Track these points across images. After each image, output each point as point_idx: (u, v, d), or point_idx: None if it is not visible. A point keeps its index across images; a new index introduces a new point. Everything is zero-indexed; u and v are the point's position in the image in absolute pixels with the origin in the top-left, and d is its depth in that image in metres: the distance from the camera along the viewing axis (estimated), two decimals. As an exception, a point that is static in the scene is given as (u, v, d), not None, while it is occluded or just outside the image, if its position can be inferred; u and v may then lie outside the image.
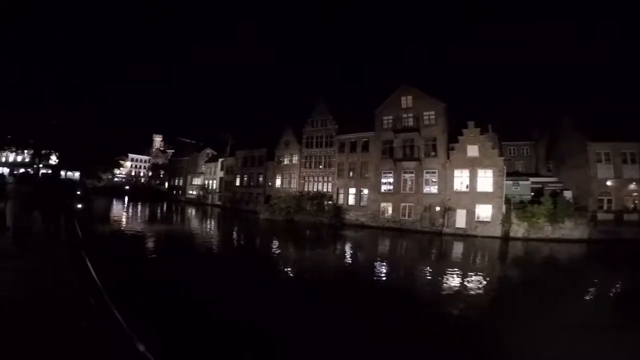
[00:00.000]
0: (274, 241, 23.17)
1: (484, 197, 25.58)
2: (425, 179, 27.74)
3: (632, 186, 24.54)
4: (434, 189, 27.44)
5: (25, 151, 54.16)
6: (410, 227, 27.51)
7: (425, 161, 27.76)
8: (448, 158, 26.98)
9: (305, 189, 35.48)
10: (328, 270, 15.44)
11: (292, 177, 38.25)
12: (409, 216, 28.06)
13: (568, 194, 26.21)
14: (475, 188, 26.04)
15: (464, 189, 26.38)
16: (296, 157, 38.00)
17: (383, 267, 16.99)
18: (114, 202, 52.71)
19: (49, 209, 7.47)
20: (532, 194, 26.87)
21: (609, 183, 24.86)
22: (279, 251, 20.18)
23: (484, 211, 25.54)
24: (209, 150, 59.53)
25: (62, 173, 54.66)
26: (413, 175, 28.22)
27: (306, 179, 36.27)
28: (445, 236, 25.62)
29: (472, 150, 26.44)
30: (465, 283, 13.53)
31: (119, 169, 77.20)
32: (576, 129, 27.04)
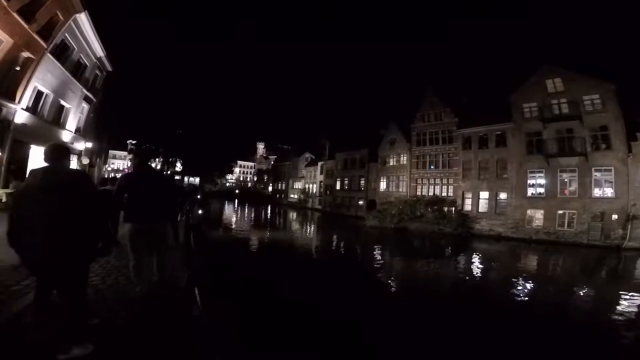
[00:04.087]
0: (394, 255, 19.86)
1: (696, 203, 18.30)
2: (595, 179, 21.30)
3: None
4: (608, 192, 20.89)
5: (157, 159, 63.11)
6: (571, 240, 21.46)
7: (594, 156, 21.35)
8: (630, 151, 20.21)
9: (419, 193, 31.76)
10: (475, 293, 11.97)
11: (400, 179, 34.85)
12: (569, 226, 21.97)
13: None
14: (678, 190, 18.87)
15: (659, 191, 19.38)
16: (404, 157, 34.51)
17: (533, 285, 13.45)
18: (227, 204, 57.63)
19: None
20: None
21: None
22: (400, 268, 16.55)
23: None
24: (308, 155, 60.38)
25: (185, 179, 62.29)
26: (575, 174, 22.01)
27: (419, 181, 32.49)
28: (626, 251, 19.28)
29: (670, 139, 19.27)
30: None
31: (231, 174, 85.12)
32: None
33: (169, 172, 57.01)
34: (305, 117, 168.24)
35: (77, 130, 19.98)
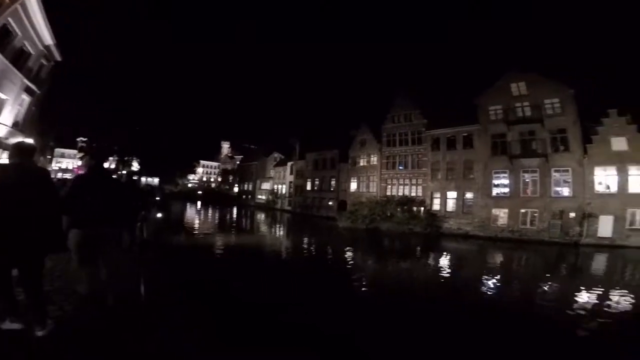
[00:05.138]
0: (368, 256, 19.67)
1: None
2: (555, 180, 22.58)
3: None
4: (566, 192, 22.21)
5: (110, 158, 58.46)
6: (534, 238, 22.56)
7: (553, 157, 22.61)
8: (585, 153, 21.65)
9: (389, 193, 31.99)
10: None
11: (370, 179, 34.99)
12: (531, 224, 23.09)
13: None
14: (626, 189, 20.45)
15: (610, 190, 20.90)
16: (375, 158, 34.69)
17: (499, 283, 13.89)
18: (189, 206, 54.61)
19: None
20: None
21: None
22: (374, 268, 16.51)
23: (640, 217, 19.94)
24: (276, 155, 59.08)
25: (143, 179, 58.28)
26: (536, 174, 23.18)
27: (389, 181, 32.76)
28: (584, 247, 20.66)
29: (619, 143, 20.87)
30: (606, 302, 10.81)
31: (193, 174, 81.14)
32: None
33: (124, 172, 53.00)
34: (273, 117, 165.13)
35: (15, 125, 17.40)
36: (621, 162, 20.64)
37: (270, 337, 6.83)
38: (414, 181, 30.66)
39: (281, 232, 30.83)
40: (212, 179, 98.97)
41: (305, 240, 25.64)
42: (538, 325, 8.61)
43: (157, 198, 40.08)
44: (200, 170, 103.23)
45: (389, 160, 33.17)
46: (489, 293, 12.48)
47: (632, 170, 20.28)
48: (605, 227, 20.77)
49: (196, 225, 30.68)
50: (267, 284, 11.44)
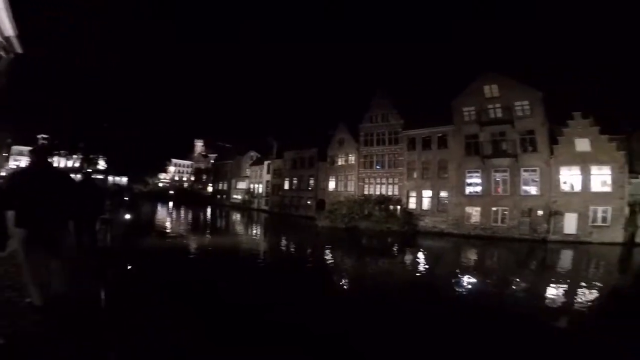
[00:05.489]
0: (348, 255, 19.81)
1: (601, 198, 21.29)
2: (524, 179, 23.55)
3: None
4: (534, 190, 23.22)
5: (75, 156, 55.15)
6: (505, 235, 23.45)
7: (523, 157, 23.57)
8: (552, 154, 22.73)
9: (366, 192, 32.19)
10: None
11: (348, 179, 35.08)
12: (502, 222, 23.98)
13: None
14: (588, 188, 21.71)
15: (574, 189, 22.07)
16: (353, 157, 34.80)
17: (474, 278, 14.52)
18: (160, 206, 52.46)
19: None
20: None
21: None
22: (354, 267, 16.74)
23: (601, 214, 21.21)
24: (253, 153, 58.04)
25: (110, 178, 55.37)
26: (507, 174, 24.08)
27: (366, 180, 32.97)
28: (551, 244, 21.73)
29: (582, 144, 22.12)
30: (573, 296, 11.57)
31: (164, 173, 78.03)
32: None
33: (89, 170, 50.03)
34: (249, 116, 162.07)
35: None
36: (584, 162, 21.86)
37: (256, 337, 6.89)
38: (390, 180, 31.02)
39: (259, 233, 30.23)
40: (184, 179, 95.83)
41: (286, 240, 25.30)
42: (511, 318, 9.10)
43: (126, 198, 38.08)
44: (172, 169, 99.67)
45: (367, 159, 33.36)
46: (464, 289, 12.87)
47: (594, 170, 21.54)
48: (570, 224, 21.93)
49: (168, 227, 29.43)
50: (249, 285, 11.22)
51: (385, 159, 31.92)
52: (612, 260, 18.26)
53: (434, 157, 27.91)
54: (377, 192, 31.51)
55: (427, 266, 17.33)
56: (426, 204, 28.03)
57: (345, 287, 13.08)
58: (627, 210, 20.85)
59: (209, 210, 50.20)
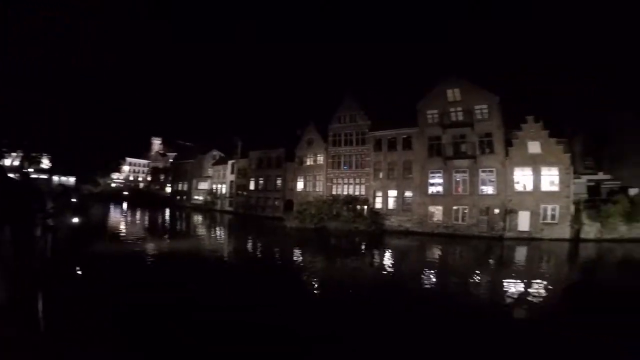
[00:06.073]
0: (319, 255, 19.86)
1: (550, 197, 23.09)
2: (482, 179, 24.89)
3: None
4: (491, 190, 24.63)
5: (14, 154, 49.76)
6: (465, 233, 24.64)
7: (481, 159, 24.92)
8: (507, 155, 24.26)
9: (334, 192, 32.28)
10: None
11: (317, 179, 34.98)
12: (462, 220, 25.17)
13: (634, 192, 24.05)
14: (539, 187, 23.45)
15: (526, 188, 23.72)
16: (321, 157, 34.76)
17: (437, 275, 15.32)
18: (113, 208, 48.79)
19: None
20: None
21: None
22: (325, 267, 16.81)
23: (551, 212, 23.01)
24: (216, 152, 55.96)
25: (56, 178, 50.46)
26: (467, 174, 25.32)
27: (334, 181, 33.07)
28: (507, 241, 23.13)
29: (534, 147, 23.85)
30: (530, 291, 12.37)
31: (117, 173, 72.74)
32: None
33: (29, 169, 45.36)
34: (214, 115, 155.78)
35: None
36: (535, 163, 23.58)
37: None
38: (358, 180, 31.37)
39: (224, 235, 29.06)
40: (140, 179, 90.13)
41: (253, 242, 24.61)
42: (470, 311, 9.71)
43: (73, 200, 34.89)
44: (126, 168, 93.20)
45: (335, 159, 33.46)
46: (429, 287, 13.45)
47: (544, 170, 23.31)
48: (523, 221, 23.51)
49: (123, 230, 27.31)
50: (212, 290, 10.77)
51: (352, 159, 32.22)
52: (561, 256, 19.81)
53: (399, 158, 28.67)
54: (345, 193, 31.74)
55: (394, 265, 17.75)
56: (392, 203, 28.69)
57: (316, 287, 13.06)
58: (572, 208, 22.77)
59: (167, 212, 47.57)
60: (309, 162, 35.95)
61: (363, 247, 22.99)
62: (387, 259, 19.40)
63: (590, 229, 22.30)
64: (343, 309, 9.70)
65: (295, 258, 18.92)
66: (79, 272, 12.67)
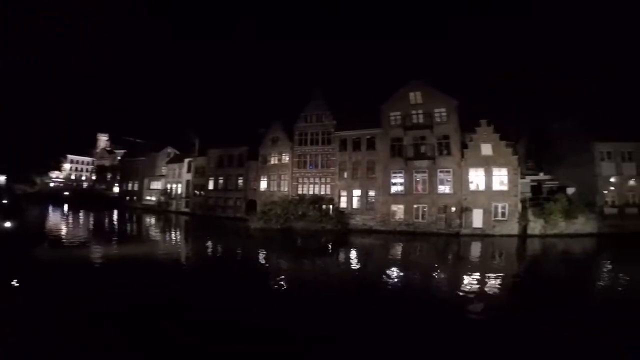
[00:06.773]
0: (285, 256, 19.64)
1: (500, 196, 24.95)
2: (440, 179, 26.22)
3: (632, 182, 25.60)
4: (448, 189, 26.03)
5: None
6: (425, 230, 25.78)
7: (439, 160, 26.23)
8: (462, 157, 25.76)
9: (300, 192, 31.98)
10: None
11: (282, 178, 34.39)
12: (422, 218, 26.30)
13: (571, 191, 26.84)
14: (491, 187, 25.26)
15: (480, 188, 25.39)
16: (287, 156, 34.22)
17: (400, 272, 15.92)
18: (52, 210, 44.00)
19: None
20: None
21: (612, 179, 25.59)
22: (292, 267, 16.85)
23: (501, 210, 24.86)
24: (170, 150, 52.73)
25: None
26: (426, 174, 26.51)
27: (300, 180, 32.79)
28: (463, 237, 24.65)
29: (486, 149, 25.62)
30: (487, 284, 13.55)
31: (57, 171, 65.68)
32: (580, 130, 27.47)
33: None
34: (169, 111, 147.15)
35: None
36: (487, 164, 25.34)
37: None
38: (323, 180, 31.41)
39: (181, 238, 27.46)
40: (84, 178, 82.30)
41: (214, 244, 23.49)
42: (431, 305, 10.52)
43: (4, 201, 30.98)
44: (67, 166, 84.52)
45: (301, 159, 33.14)
46: (393, 282, 14.03)
47: (495, 171, 25.15)
48: (477, 219, 25.15)
49: (64, 235, 24.62)
50: (166, 295, 10.39)
51: (318, 159, 32.16)
52: (511, 251, 21.58)
53: (363, 158, 29.23)
54: (311, 192, 31.61)
55: (359, 263, 18.29)
56: (356, 202, 29.17)
57: (284, 287, 12.99)
58: (520, 206, 24.79)
59: (115, 214, 43.92)
60: (273, 161, 35.26)
61: (330, 246, 23.07)
62: (354, 258, 19.76)
63: (535, 225, 24.45)
64: (316, 308, 9.84)
65: (260, 259, 18.50)
66: (15, 283, 11.18)
